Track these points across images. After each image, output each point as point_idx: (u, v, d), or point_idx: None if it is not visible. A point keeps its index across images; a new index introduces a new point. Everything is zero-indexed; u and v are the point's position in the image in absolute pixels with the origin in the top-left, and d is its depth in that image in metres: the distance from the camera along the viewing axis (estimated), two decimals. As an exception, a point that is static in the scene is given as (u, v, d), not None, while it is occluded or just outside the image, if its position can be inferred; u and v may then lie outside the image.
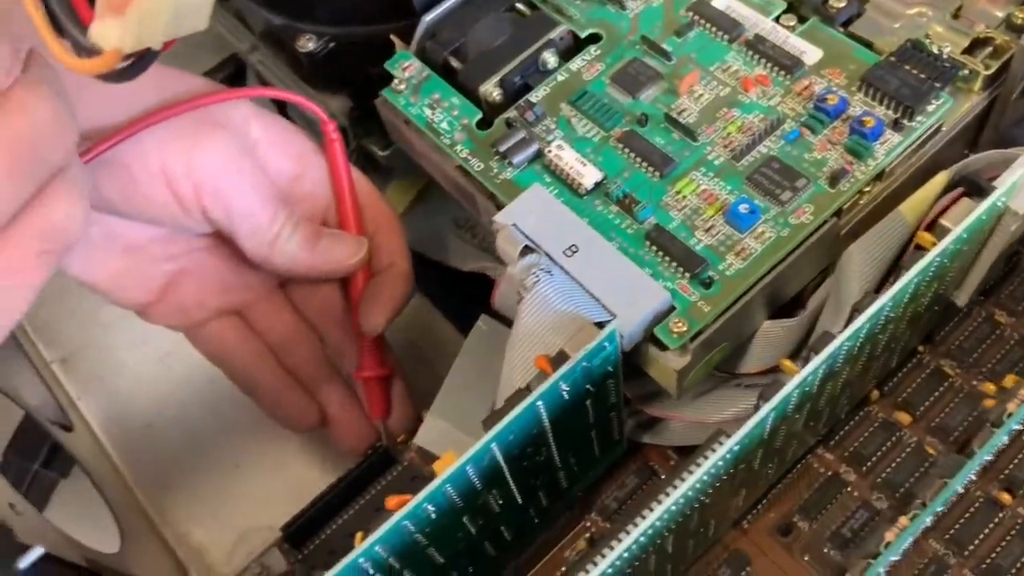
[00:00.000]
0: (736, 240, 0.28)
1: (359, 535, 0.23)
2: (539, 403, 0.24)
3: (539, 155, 0.30)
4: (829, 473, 0.31)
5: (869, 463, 0.31)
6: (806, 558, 0.30)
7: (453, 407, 0.28)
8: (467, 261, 0.39)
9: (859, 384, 0.30)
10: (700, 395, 0.31)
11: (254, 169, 0.31)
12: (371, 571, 0.23)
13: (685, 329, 0.26)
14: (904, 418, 0.32)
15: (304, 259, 0.33)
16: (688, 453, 0.32)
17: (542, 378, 0.24)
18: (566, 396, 0.25)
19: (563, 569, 0.31)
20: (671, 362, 0.27)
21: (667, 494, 0.22)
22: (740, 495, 0.28)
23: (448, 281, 0.40)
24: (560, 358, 0.25)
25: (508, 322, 0.32)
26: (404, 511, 0.23)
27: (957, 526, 0.29)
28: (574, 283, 0.27)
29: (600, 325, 0.26)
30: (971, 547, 0.28)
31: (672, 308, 0.27)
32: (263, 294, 0.36)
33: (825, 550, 0.30)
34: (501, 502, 0.27)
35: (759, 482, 0.29)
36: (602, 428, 0.29)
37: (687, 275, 0.27)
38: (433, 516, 0.24)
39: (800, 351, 0.31)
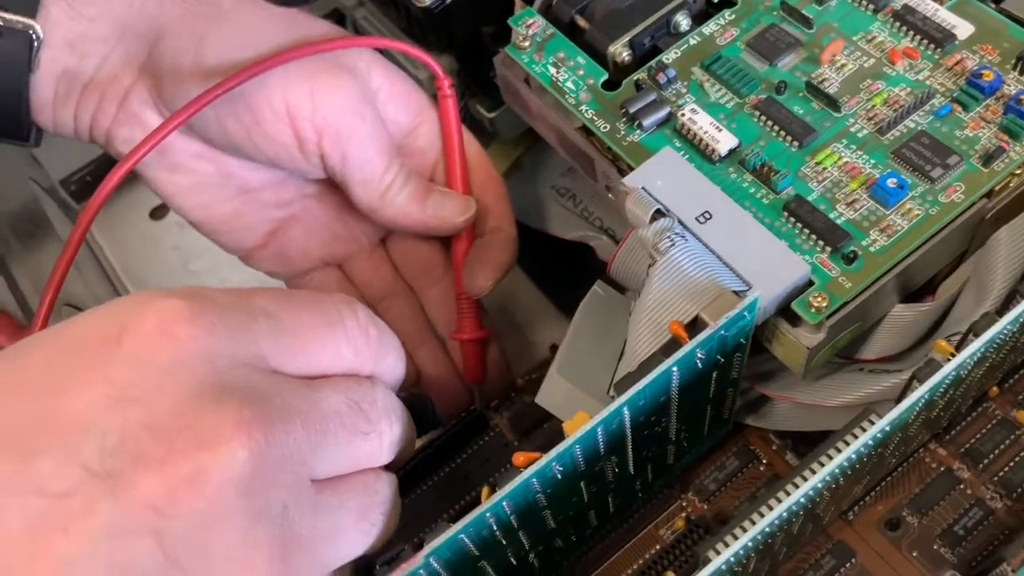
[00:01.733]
0: (881, 216, 0.27)
1: (485, 490, 0.22)
2: (674, 369, 0.23)
3: (669, 118, 0.29)
4: (942, 468, 0.30)
5: (985, 461, 0.30)
6: (914, 554, 0.28)
7: (574, 368, 0.28)
8: (569, 229, 0.38)
9: (989, 378, 0.29)
10: (817, 379, 0.30)
11: (374, 117, 0.31)
12: (494, 527, 0.23)
13: (825, 304, 0.25)
14: (1024, 417, 0.30)
15: (413, 213, 0.32)
16: (790, 438, 0.32)
17: (674, 344, 0.23)
18: (699, 365, 0.24)
19: (657, 547, 0.31)
20: (803, 339, 0.26)
21: (813, 471, 0.22)
22: (863, 483, 0.27)
23: (539, 248, 0.39)
24: (696, 325, 0.24)
25: (622, 288, 0.31)
26: (534, 468, 0.22)
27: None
28: (708, 250, 0.26)
29: (737, 295, 0.25)
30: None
31: (811, 282, 0.26)
32: (366, 247, 0.35)
33: (935, 547, 0.28)
34: (616, 471, 0.26)
35: (880, 472, 0.28)
36: (717, 404, 0.28)
37: (828, 249, 0.26)
38: (559, 477, 0.23)
39: (925, 340, 0.30)
